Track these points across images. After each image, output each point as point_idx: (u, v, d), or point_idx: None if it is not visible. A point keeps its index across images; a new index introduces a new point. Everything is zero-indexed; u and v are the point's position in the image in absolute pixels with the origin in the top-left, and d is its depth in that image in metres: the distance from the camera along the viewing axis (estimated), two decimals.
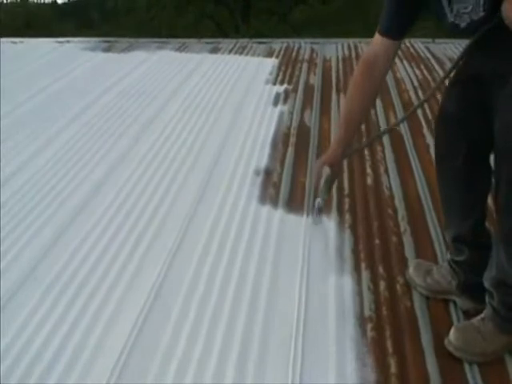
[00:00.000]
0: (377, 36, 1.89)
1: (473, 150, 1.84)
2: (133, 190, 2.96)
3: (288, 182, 2.98)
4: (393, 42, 1.87)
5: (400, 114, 3.83)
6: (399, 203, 2.72)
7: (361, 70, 1.94)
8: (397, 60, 4.99)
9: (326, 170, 1.94)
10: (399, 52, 5.04)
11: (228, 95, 4.32)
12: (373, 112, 3.85)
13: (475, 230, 1.96)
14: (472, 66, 1.79)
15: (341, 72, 4.81)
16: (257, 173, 3.09)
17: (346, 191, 2.85)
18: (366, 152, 3.23)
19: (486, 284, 1.86)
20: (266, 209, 2.74)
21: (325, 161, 1.97)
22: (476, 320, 1.91)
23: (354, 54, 5.36)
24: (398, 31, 1.86)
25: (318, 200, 1.99)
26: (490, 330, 1.87)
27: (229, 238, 2.51)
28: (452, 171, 1.93)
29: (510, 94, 1.62)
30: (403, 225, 2.54)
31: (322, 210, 2.07)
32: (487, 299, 1.89)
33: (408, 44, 5.53)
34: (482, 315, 1.91)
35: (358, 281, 2.21)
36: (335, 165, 1.98)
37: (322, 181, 1.95)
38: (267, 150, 3.36)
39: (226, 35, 19.57)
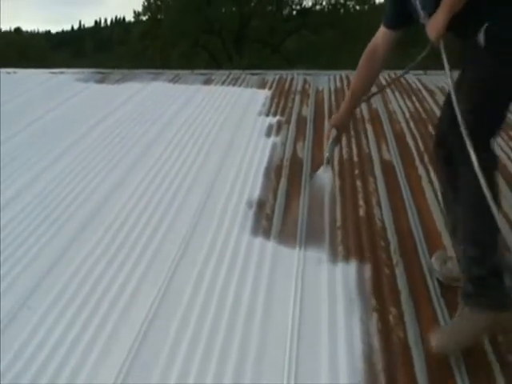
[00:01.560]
0: (380, 28, 2.34)
1: None
2: (126, 221, 2.98)
3: (281, 213, 3.00)
4: (391, 32, 2.31)
5: (392, 144, 3.87)
6: (392, 236, 2.74)
7: (364, 58, 2.40)
8: (389, 92, 5.07)
9: (334, 132, 2.54)
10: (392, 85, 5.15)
11: (221, 126, 4.37)
12: (365, 142, 3.91)
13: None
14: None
15: (333, 103, 4.87)
16: (249, 204, 3.12)
17: (339, 223, 2.87)
18: (359, 183, 3.27)
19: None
20: (258, 240, 2.75)
21: (333, 124, 2.54)
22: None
23: (346, 86, 5.43)
24: (395, 22, 2.30)
25: (326, 155, 2.54)
26: (466, 314, 1.97)
27: (222, 269, 2.52)
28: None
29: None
30: (395, 257, 2.56)
31: (329, 162, 2.57)
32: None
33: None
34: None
35: (351, 312, 2.22)
36: (342, 127, 2.55)
37: (330, 140, 2.55)
38: (260, 181, 3.39)
39: (219, 65, 19.79)
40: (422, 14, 2.06)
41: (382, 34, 2.34)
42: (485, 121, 2.01)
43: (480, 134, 1.94)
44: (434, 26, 2.00)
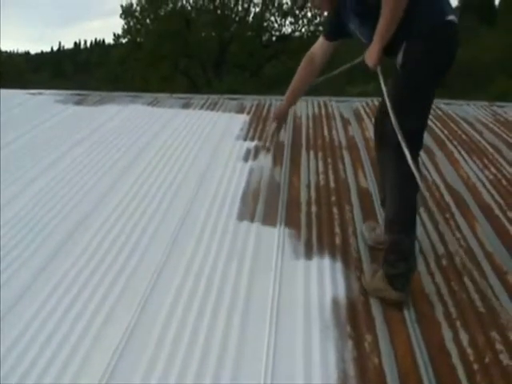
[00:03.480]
0: (319, 38, 2.85)
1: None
2: (102, 243, 2.97)
3: (256, 238, 3.00)
4: (329, 42, 2.82)
5: (368, 169, 3.90)
6: (366, 265, 2.76)
7: (303, 62, 2.92)
8: (366, 119, 5.12)
9: (273, 125, 3.16)
10: (367, 110, 5.20)
11: (198, 150, 4.36)
12: (341, 167, 3.95)
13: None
14: None
15: (311, 130, 4.91)
16: (225, 229, 3.12)
17: (315, 248, 2.89)
18: (335, 211, 3.29)
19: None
20: (234, 265, 2.75)
21: (276, 117, 3.13)
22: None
23: (323, 112, 5.47)
24: (333, 34, 2.79)
25: (267, 144, 3.43)
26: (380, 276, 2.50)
27: (195, 300, 2.51)
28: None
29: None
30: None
31: (269, 150, 3.48)
32: None
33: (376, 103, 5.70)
34: None
35: (326, 339, 2.22)
36: (282, 119, 3.15)
37: (272, 130, 3.20)
38: (237, 206, 3.39)
39: (198, 90, 19.83)
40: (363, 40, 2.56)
41: (320, 43, 2.86)
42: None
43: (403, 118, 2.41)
44: (371, 55, 2.46)
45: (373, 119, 5.12)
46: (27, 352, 2.19)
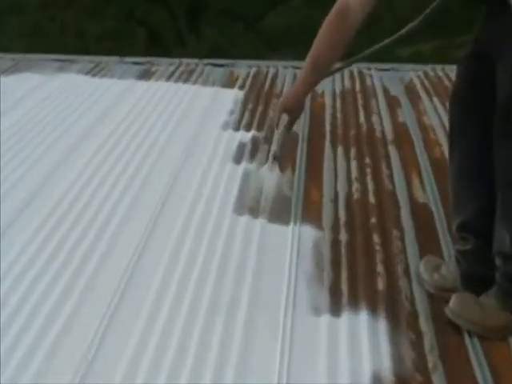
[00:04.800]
0: None
1: (483, 128, 2.66)
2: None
3: (254, 284, 2.99)
4: None
5: (428, 175, 3.90)
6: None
7: (334, 16, 2.68)
8: (424, 96, 5.11)
9: (284, 119, 2.81)
10: (425, 84, 5.22)
11: (165, 146, 4.39)
12: (386, 172, 3.99)
13: (482, 217, 2.74)
14: (479, 42, 2.70)
15: (339, 114, 4.94)
16: (209, 259, 3.14)
17: (345, 298, 2.88)
18: (376, 239, 3.29)
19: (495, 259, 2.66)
20: (218, 331, 2.75)
21: (285, 107, 2.84)
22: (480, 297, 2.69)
23: (358, 86, 5.52)
24: None
25: (274, 149, 2.86)
26: (491, 304, 2.65)
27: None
28: (463, 152, 2.78)
29: (505, 68, 2.49)
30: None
31: (278, 158, 2.90)
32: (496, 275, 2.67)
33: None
34: (487, 292, 2.69)
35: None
36: (296, 111, 2.87)
37: (280, 129, 2.83)
38: (222, 238, 3.34)
39: (164, 49, 19.83)
40: None
41: None
42: None
43: None
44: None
45: (434, 96, 5.12)
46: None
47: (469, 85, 2.75)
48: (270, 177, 3.84)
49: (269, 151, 3.00)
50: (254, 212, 3.58)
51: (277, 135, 2.86)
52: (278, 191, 3.76)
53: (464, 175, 2.81)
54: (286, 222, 3.49)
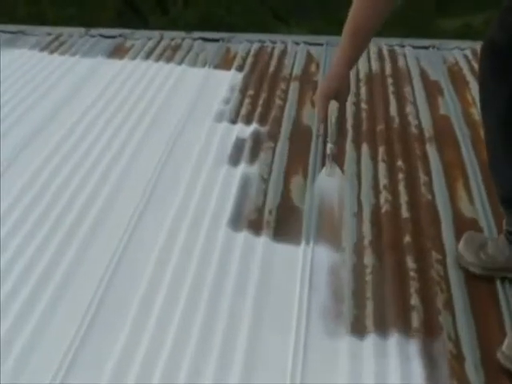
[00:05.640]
0: None
1: None
2: None
3: (254, 315, 3.07)
4: None
5: (477, 183, 3.93)
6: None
7: None
8: (472, 82, 5.19)
9: (334, 106, 2.86)
10: (474, 66, 5.32)
11: (141, 144, 4.45)
12: (423, 178, 4.02)
13: None
14: None
15: (363, 104, 4.98)
16: (196, 296, 3.19)
17: (371, 332, 2.97)
18: (411, 264, 3.33)
19: None
20: None
21: (330, 91, 2.91)
22: None
23: (388, 68, 5.55)
24: None
25: (330, 146, 2.89)
26: None
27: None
28: (498, 116, 2.97)
29: None
30: None
31: (336, 157, 2.93)
32: None
33: None
34: None
35: None
36: (343, 91, 2.94)
37: (332, 120, 2.86)
38: (217, 254, 3.43)
39: (142, 19, 19.83)
40: None
41: None
42: None
43: None
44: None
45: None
46: None
47: None
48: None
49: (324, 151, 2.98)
50: (255, 227, 3.62)
51: (329, 129, 2.88)
52: (285, 200, 3.84)
53: (500, 145, 3.03)
54: (297, 241, 3.53)
